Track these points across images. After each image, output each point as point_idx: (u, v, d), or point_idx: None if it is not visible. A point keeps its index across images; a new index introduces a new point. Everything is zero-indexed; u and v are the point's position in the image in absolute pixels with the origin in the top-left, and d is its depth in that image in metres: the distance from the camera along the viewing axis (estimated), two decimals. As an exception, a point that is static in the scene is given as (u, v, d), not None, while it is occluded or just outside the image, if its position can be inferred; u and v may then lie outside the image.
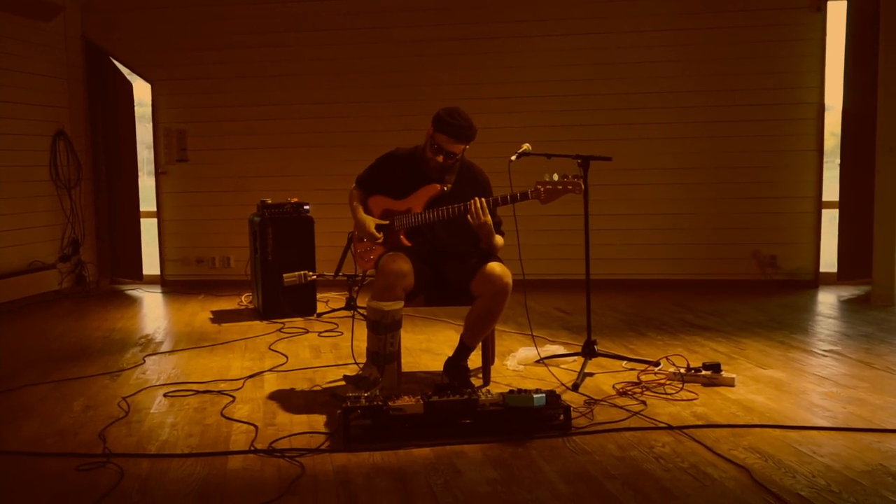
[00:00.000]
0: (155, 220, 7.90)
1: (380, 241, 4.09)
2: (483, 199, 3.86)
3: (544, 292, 6.88)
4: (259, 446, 3.30)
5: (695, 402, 3.78)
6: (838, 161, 7.43)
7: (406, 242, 4.04)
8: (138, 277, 7.84)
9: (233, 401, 3.97)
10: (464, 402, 3.38)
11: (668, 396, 3.85)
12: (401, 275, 3.81)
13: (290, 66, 7.59)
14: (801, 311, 6.19)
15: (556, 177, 3.90)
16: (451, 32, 7.45)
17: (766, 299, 6.61)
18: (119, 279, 7.91)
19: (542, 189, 3.89)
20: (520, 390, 3.45)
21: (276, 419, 3.68)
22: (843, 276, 7.00)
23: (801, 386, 4.05)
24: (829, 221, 7.40)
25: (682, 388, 3.94)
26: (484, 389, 3.53)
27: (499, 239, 4.05)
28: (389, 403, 3.36)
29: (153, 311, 6.71)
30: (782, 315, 5.94)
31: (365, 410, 3.32)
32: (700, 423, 3.48)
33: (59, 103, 7.34)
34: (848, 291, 6.88)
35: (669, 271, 7.36)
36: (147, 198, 8.03)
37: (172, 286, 7.72)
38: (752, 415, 3.58)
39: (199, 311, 6.45)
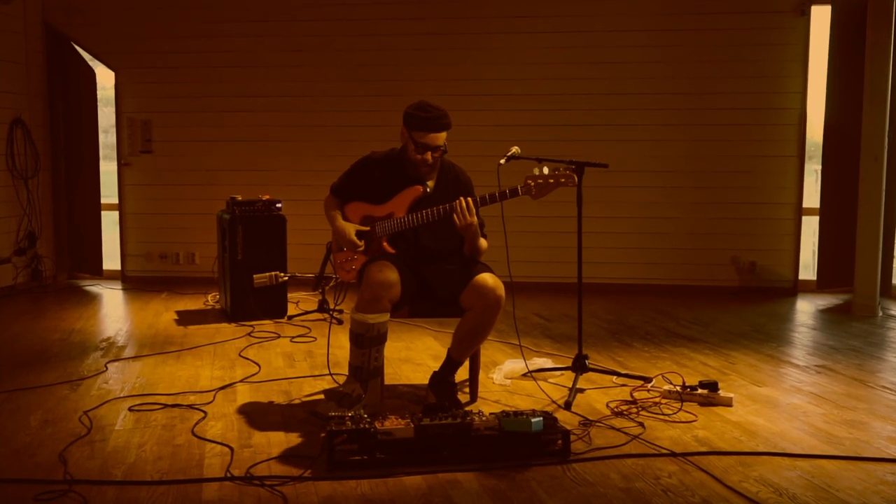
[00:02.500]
0: (116, 213, 7.55)
1: (361, 249, 3.85)
2: (469, 199, 3.65)
3: (520, 296, 6.68)
4: (235, 472, 3.06)
5: (694, 424, 3.62)
6: (817, 168, 7.37)
7: (389, 249, 3.82)
8: (98, 273, 7.49)
9: (204, 417, 3.71)
10: (457, 426, 3.17)
11: (667, 418, 3.68)
12: (388, 285, 3.58)
13: (260, 56, 7.28)
14: (784, 321, 6.09)
15: (546, 170, 3.69)
16: (431, 27, 7.21)
17: (745, 307, 6.50)
18: (77, 274, 7.56)
19: (532, 184, 3.69)
20: (515, 413, 3.25)
21: (252, 439, 3.43)
22: (822, 285, 6.92)
23: (799, 406, 3.91)
24: (807, 228, 7.33)
25: (680, 409, 3.77)
26: (476, 410, 3.33)
27: (483, 242, 3.84)
28: (377, 426, 3.14)
29: (114, 310, 6.39)
30: (765, 325, 5.83)
31: (351, 434, 3.10)
32: (704, 449, 3.31)
33: (16, 90, 6.96)
34: (826, 300, 6.80)
35: (647, 276, 7.22)
36: (108, 187, 7.68)
37: (134, 282, 7.39)
38: (757, 440, 3.42)
39: (163, 312, 6.15)
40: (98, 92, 7.51)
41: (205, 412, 3.77)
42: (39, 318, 5.90)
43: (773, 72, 7.05)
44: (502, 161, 3.97)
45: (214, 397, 4.01)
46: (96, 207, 7.48)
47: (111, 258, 7.65)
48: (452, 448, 3.16)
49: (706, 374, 4.46)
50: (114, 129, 7.51)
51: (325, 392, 4.00)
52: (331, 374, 4.31)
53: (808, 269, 7.40)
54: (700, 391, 3.91)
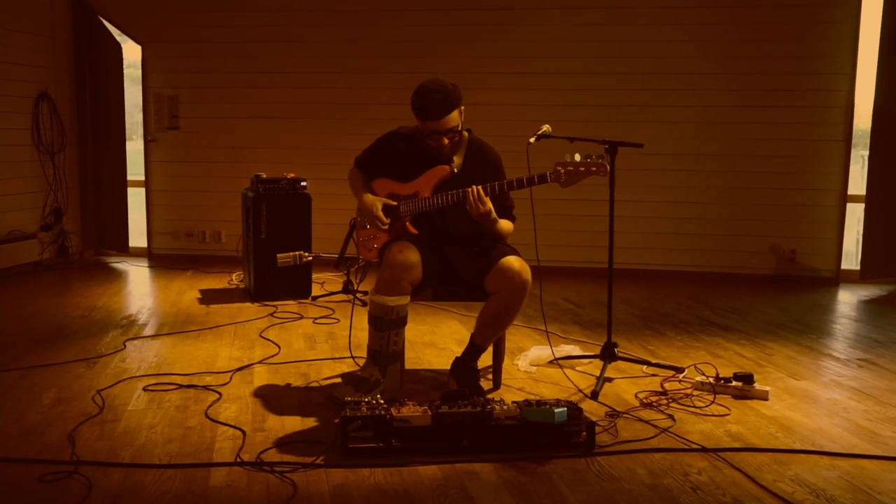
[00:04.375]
0: (143, 190, 7.49)
1: (386, 226, 3.71)
2: (479, 188, 3.48)
3: (551, 281, 6.52)
4: (246, 457, 2.95)
5: (727, 418, 3.44)
6: (864, 153, 7.08)
7: (412, 230, 3.67)
8: (124, 250, 7.45)
9: (219, 398, 3.61)
10: (476, 415, 3.03)
11: (698, 410, 3.51)
12: (408, 266, 3.44)
13: (289, 31, 7.15)
14: (824, 312, 5.85)
15: (577, 157, 3.51)
16: (463, 2, 7.02)
17: (784, 297, 6.27)
18: (104, 251, 7.52)
19: (562, 171, 3.50)
20: (538, 402, 3.10)
21: (266, 423, 3.32)
22: (866, 275, 6.66)
23: (839, 402, 3.71)
24: (851, 216, 7.06)
25: (712, 402, 3.59)
26: (498, 398, 3.18)
27: (506, 225, 3.67)
28: (393, 413, 3.00)
29: (138, 287, 6.33)
30: (805, 315, 5.60)
31: (366, 420, 2.97)
32: (737, 445, 3.13)
33: (42, 63, 6.90)
34: (870, 291, 6.54)
35: (683, 262, 7.00)
36: (136, 164, 7.62)
37: (159, 260, 7.33)
38: (793, 437, 3.24)
39: (187, 290, 6.07)
40: (126, 69, 7.43)
41: (220, 393, 3.66)
42: (63, 295, 5.85)
43: (819, 51, 6.76)
44: (532, 140, 3.79)
45: (231, 378, 3.91)
46: (123, 184, 7.42)
47: (138, 235, 7.60)
48: (471, 437, 3.02)
49: (741, 365, 4.27)
50: (139, 109, 7.43)
51: (342, 376, 3.87)
52: (352, 357, 4.19)
53: (850, 258, 7.14)
54: (734, 383, 3.72)
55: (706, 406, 3.56)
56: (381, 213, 3.68)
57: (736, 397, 3.69)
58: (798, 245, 6.89)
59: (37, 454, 2.96)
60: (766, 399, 3.68)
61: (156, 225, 7.45)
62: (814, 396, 3.79)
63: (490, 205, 3.49)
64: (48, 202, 6.97)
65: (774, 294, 6.37)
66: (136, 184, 7.54)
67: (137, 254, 7.52)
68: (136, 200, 7.62)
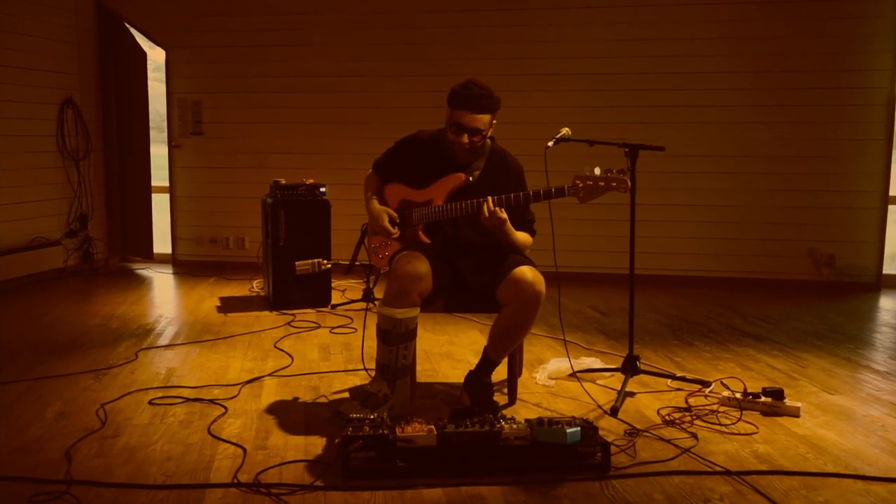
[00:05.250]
0: (167, 196, 7.45)
1: (395, 236, 3.59)
2: (492, 199, 3.34)
3: (578, 287, 6.36)
4: (244, 477, 2.83)
5: (755, 437, 3.25)
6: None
7: (424, 238, 3.54)
8: (148, 256, 7.43)
9: (224, 413, 3.50)
10: (484, 435, 2.88)
11: (724, 429, 3.32)
12: (416, 278, 3.30)
13: (312, 35, 7.06)
14: (864, 320, 5.60)
15: (597, 171, 3.34)
16: (485, 2, 6.87)
17: (822, 303, 6.02)
18: (129, 257, 7.50)
19: (580, 185, 3.34)
20: (550, 421, 2.94)
21: (269, 440, 3.20)
22: (909, 280, 6.39)
23: (877, 419, 3.50)
24: (893, 218, 6.77)
25: (739, 419, 3.40)
26: (510, 416, 3.03)
27: (524, 237, 3.53)
28: (397, 432, 2.87)
29: (160, 294, 6.28)
30: (843, 324, 5.36)
31: (368, 440, 2.84)
32: (764, 467, 2.94)
33: (68, 69, 6.89)
34: (913, 297, 6.27)
35: (715, 268, 6.78)
36: (161, 170, 7.59)
37: (184, 266, 7.29)
38: (825, 458, 3.04)
39: (207, 297, 6.00)
40: (154, 73, 7.41)
41: (225, 408, 3.56)
42: (83, 302, 5.82)
43: (859, 47, 6.50)
44: (550, 143, 3.64)
45: (239, 392, 3.81)
46: (147, 190, 7.40)
47: (162, 241, 7.57)
48: (478, 458, 2.87)
49: (773, 378, 4.07)
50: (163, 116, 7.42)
51: (350, 391, 3.74)
52: (365, 369, 4.07)
53: (893, 262, 6.85)
54: (763, 399, 3.53)
55: (732, 424, 3.37)
56: (387, 224, 3.56)
57: (765, 414, 3.50)
58: (836, 249, 6.63)
59: (32, 472, 2.88)
60: (798, 416, 3.48)
61: (180, 231, 7.41)
62: (849, 413, 3.58)
63: (505, 215, 3.35)
64: (73, 208, 6.96)
65: (811, 301, 6.13)
66: (161, 189, 7.51)
67: (162, 260, 7.49)
68: (161, 207, 7.58)
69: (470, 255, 3.53)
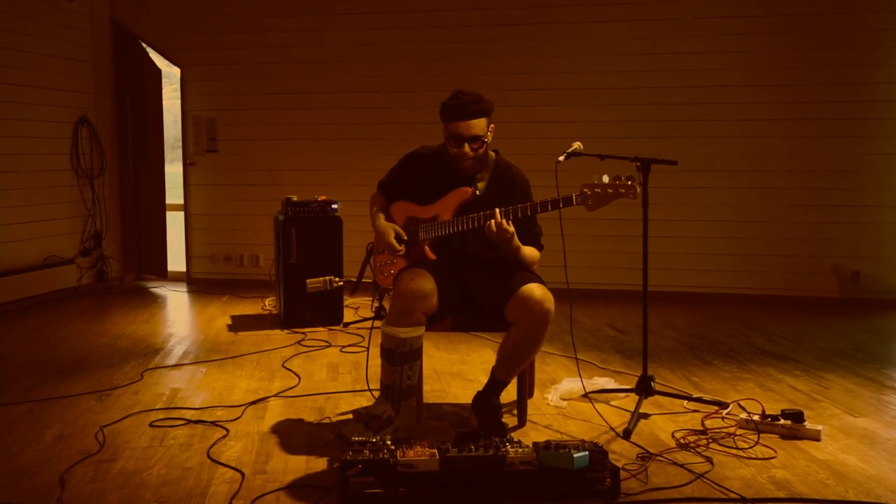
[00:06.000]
0: (181, 214, 7.43)
1: (401, 253, 3.50)
2: (499, 211, 3.24)
3: (596, 305, 6.23)
4: (239, 503, 2.74)
5: (773, 461, 3.11)
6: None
7: (431, 255, 3.45)
8: (162, 275, 7.39)
9: (225, 435, 3.42)
10: (488, 460, 2.77)
11: (741, 453, 3.19)
12: (421, 296, 3.21)
13: (326, 51, 7.03)
14: (890, 339, 5.43)
15: (605, 178, 3.24)
16: (497, 17, 6.80)
17: (847, 322, 5.85)
18: (144, 275, 7.48)
19: (588, 193, 3.23)
20: (557, 445, 2.82)
21: (269, 464, 3.11)
22: (937, 297, 6.20)
23: (902, 443, 3.35)
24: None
25: (756, 443, 3.27)
26: (516, 439, 2.92)
27: (531, 252, 3.43)
28: (398, 456, 2.77)
29: (172, 313, 6.23)
30: (868, 343, 5.19)
31: (367, 465, 2.74)
32: (782, 494, 2.81)
33: (82, 88, 6.91)
34: (942, 314, 6.08)
35: (736, 285, 6.63)
36: (174, 188, 7.58)
37: (198, 285, 7.25)
38: (846, 484, 2.90)
39: (219, 316, 5.94)
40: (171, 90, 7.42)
41: (227, 430, 3.48)
42: (93, 322, 5.78)
43: (880, 60, 6.36)
44: (561, 158, 3.56)
45: (242, 413, 3.72)
46: (161, 208, 7.38)
47: (177, 259, 7.54)
48: (482, 484, 2.76)
49: (793, 399, 3.93)
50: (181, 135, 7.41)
51: (353, 412, 3.65)
52: (369, 390, 3.97)
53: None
54: (782, 422, 3.39)
55: (749, 448, 3.23)
56: (393, 240, 3.48)
57: (784, 437, 3.36)
58: (861, 265, 6.46)
59: (24, 497, 2.81)
60: (818, 439, 3.34)
61: (195, 249, 7.38)
62: (873, 436, 3.43)
63: (512, 228, 3.26)
64: (87, 227, 6.95)
65: (835, 319, 5.96)
66: (175, 207, 7.49)
67: (177, 278, 7.45)
68: (175, 224, 7.56)
69: (477, 270, 3.43)
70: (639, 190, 3.29)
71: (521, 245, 3.35)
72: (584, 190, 3.25)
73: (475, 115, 3.30)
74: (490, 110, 3.36)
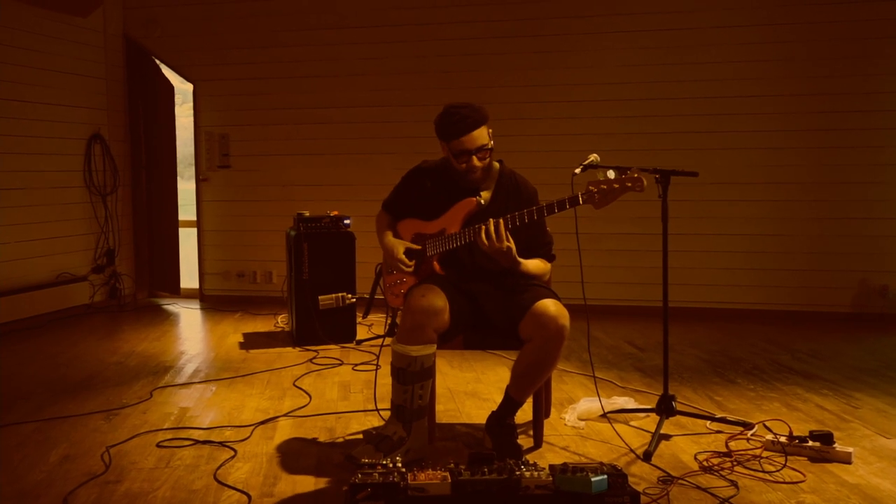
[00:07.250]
0: (194, 230, 7.37)
1: (410, 269, 3.40)
2: (495, 220, 3.13)
3: (616, 321, 6.10)
4: (244, 529, 2.64)
5: (801, 485, 2.97)
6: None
7: (440, 271, 3.34)
8: (175, 292, 7.33)
9: (233, 456, 3.32)
10: (502, 483, 2.65)
11: (767, 476, 3.05)
12: (432, 313, 3.11)
13: (338, 66, 6.97)
14: (920, 355, 5.27)
15: (611, 174, 3.12)
16: (512, 30, 6.72)
17: (875, 338, 5.69)
18: (157, 292, 7.42)
19: (594, 190, 3.11)
20: (574, 468, 2.70)
21: (277, 486, 3.01)
22: (967, 313, 6.02)
23: (937, 465, 3.20)
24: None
25: (784, 466, 3.13)
26: (532, 461, 2.80)
27: (535, 265, 3.32)
28: (409, 479, 2.66)
29: (184, 330, 6.15)
30: (898, 359, 5.04)
31: (377, 488, 2.63)
32: (811, 521, 2.68)
33: (95, 104, 6.88)
34: (973, 330, 5.90)
35: (760, 300, 6.47)
36: (188, 205, 7.53)
37: (211, 301, 7.18)
38: (880, 510, 2.76)
39: (231, 333, 5.86)
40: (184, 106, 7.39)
41: (235, 451, 3.38)
42: (105, 339, 5.71)
43: (905, 69, 6.22)
44: (577, 170, 3.45)
45: (251, 433, 3.63)
46: (174, 224, 7.33)
47: (190, 276, 7.48)
48: (497, 509, 2.64)
49: (822, 419, 3.78)
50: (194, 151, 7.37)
51: (364, 433, 3.54)
52: (377, 410, 3.86)
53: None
54: (811, 444, 3.25)
55: (776, 471, 3.10)
56: (402, 256, 3.38)
57: (813, 460, 3.22)
58: (890, 280, 6.29)
59: (24, 521, 2.72)
60: (849, 462, 3.19)
61: (208, 266, 7.31)
62: (906, 458, 3.29)
63: (509, 243, 3.14)
64: (100, 244, 6.90)
65: (863, 335, 5.79)
66: (188, 224, 7.44)
67: (190, 295, 7.39)
68: (188, 241, 7.51)
69: (489, 285, 3.33)
70: (644, 182, 3.16)
71: (522, 260, 3.24)
72: (591, 188, 3.13)
73: (475, 126, 3.22)
74: (487, 117, 3.28)
